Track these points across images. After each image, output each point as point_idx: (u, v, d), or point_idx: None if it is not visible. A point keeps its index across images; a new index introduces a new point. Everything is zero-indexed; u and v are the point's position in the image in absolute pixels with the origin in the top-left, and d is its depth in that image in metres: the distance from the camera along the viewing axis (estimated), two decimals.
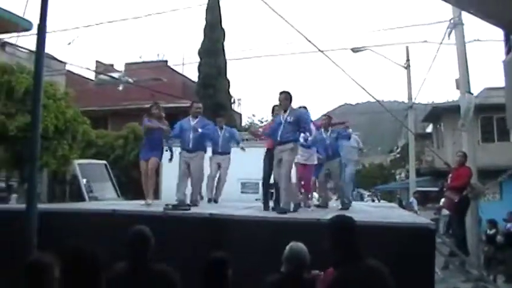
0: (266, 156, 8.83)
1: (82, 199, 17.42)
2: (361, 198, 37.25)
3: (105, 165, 20.49)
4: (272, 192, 8.83)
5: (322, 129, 9.81)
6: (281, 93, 8.42)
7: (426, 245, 5.77)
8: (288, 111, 8.30)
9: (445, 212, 14.12)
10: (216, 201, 10.56)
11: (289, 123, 8.19)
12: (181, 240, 6.05)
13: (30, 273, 3.28)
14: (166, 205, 7.58)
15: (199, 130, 9.45)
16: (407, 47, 23.88)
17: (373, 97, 10.57)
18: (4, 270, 4.23)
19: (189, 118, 9.70)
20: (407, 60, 23.79)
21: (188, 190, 9.41)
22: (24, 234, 5.41)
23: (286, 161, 8.09)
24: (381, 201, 31.70)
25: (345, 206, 9.49)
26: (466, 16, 11.51)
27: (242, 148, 11.02)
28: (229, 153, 11.02)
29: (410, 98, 23.74)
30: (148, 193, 9.15)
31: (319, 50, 9.09)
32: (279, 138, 8.22)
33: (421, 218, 8.51)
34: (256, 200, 11.10)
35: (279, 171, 8.16)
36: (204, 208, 8.24)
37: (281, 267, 4.37)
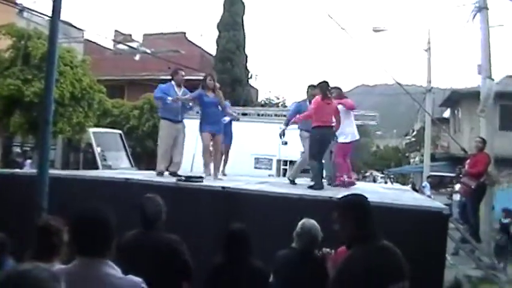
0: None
1: (96, 167, 17.53)
2: (374, 180, 37.13)
3: (120, 134, 20.58)
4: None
5: None
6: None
7: (439, 230, 5.67)
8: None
9: (457, 197, 14.00)
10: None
11: None
12: (192, 211, 6.02)
13: (39, 236, 3.26)
14: (179, 176, 7.53)
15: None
16: (429, 30, 23.65)
17: (392, 78, 10.48)
18: (15, 234, 4.20)
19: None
20: (429, 43, 23.52)
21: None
22: (35, 199, 5.42)
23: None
24: (394, 183, 31.51)
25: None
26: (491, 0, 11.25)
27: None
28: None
29: (429, 81, 23.51)
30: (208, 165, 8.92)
31: (342, 28, 9.00)
32: None
33: (436, 202, 8.39)
34: (269, 175, 11.01)
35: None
36: (219, 181, 8.15)
37: (292, 243, 4.36)
